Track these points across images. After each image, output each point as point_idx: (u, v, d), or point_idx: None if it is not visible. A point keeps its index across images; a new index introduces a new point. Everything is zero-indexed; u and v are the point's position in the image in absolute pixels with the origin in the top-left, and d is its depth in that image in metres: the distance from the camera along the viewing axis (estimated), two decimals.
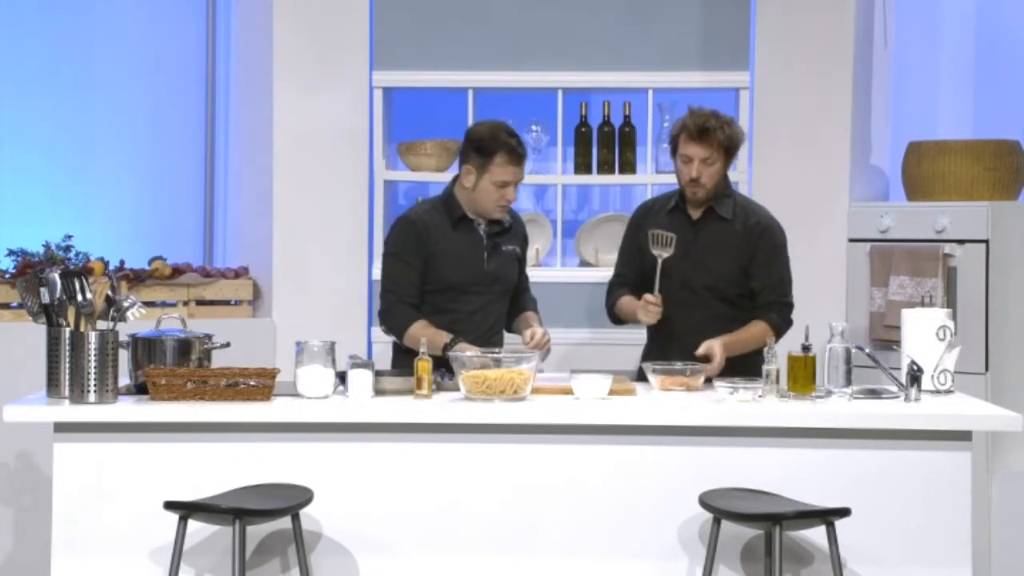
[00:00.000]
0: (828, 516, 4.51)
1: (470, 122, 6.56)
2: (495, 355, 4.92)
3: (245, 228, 6.94)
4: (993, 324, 6.31)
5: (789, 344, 5.19)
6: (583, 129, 6.66)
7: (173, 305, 6.53)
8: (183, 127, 7.00)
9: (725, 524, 4.60)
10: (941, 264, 6.36)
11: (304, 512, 4.64)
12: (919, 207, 6.58)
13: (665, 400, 4.95)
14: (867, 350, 5.23)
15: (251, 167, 6.85)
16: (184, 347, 4.95)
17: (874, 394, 5.03)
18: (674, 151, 5.48)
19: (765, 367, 4.97)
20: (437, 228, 5.43)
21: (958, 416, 4.76)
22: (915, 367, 4.92)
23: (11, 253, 6.32)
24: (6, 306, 6.22)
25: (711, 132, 5.37)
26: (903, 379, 4.94)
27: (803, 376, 4.94)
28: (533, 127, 6.62)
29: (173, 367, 4.87)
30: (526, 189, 6.66)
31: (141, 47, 6.92)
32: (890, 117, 7.00)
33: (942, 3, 7.16)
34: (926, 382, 5.01)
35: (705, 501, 4.59)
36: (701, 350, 5.31)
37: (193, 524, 4.58)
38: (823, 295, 6.59)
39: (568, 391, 4.97)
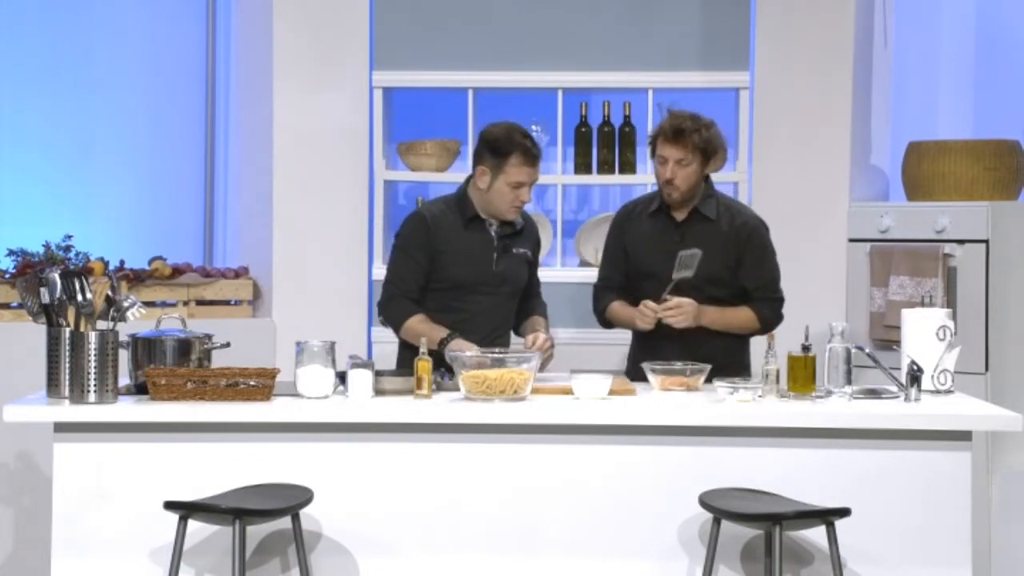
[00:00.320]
0: (828, 516, 4.51)
1: (470, 122, 6.57)
2: (495, 355, 4.92)
3: (245, 228, 6.93)
4: (993, 324, 6.31)
5: (789, 344, 5.19)
6: (583, 129, 6.66)
7: (173, 305, 6.53)
8: (183, 127, 7.00)
9: (725, 524, 4.60)
10: (941, 264, 6.36)
11: (304, 512, 4.64)
12: (919, 207, 6.58)
13: (665, 400, 4.95)
14: (867, 350, 5.23)
15: (251, 167, 6.85)
16: (184, 347, 4.95)
17: (874, 394, 5.03)
18: (652, 153, 5.52)
19: (765, 367, 4.97)
20: (448, 226, 5.44)
21: (958, 416, 4.76)
22: (915, 367, 4.92)
23: (11, 253, 6.31)
24: (6, 306, 6.22)
25: (686, 134, 5.40)
26: (903, 379, 4.94)
27: (803, 376, 4.94)
28: (533, 127, 6.61)
29: (173, 367, 4.87)
30: None
31: (141, 47, 6.92)
32: (890, 117, 7.00)
33: (942, 3, 7.16)
34: (926, 382, 5.01)
35: (705, 501, 4.59)
36: (671, 303, 5.36)
37: (193, 524, 4.58)
38: (823, 295, 6.60)
39: (568, 391, 4.97)
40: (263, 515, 4.51)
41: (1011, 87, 7.00)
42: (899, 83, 7.04)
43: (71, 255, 6.33)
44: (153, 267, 6.53)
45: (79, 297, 4.71)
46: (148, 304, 6.16)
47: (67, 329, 4.74)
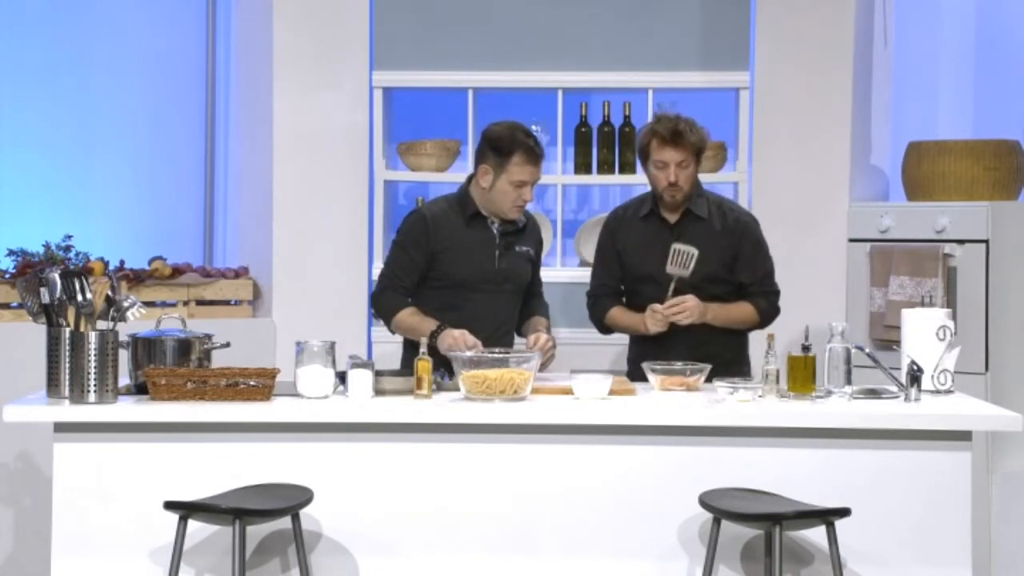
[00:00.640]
0: (828, 516, 4.51)
1: (470, 122, 6.57)
2: (495, 355, 4.92)
3: (245, 228, 6.93)
4: (993, 324, 6.31)
5: (789, 344, 5.19)
6: (583, 129, 6.66)
7: (173, 305, 6.53)
8: (183, 127, 6.99)
9: (725, 524, 4.60)
10: (941, 264, 6.36)
11: (304, 512, 4.64)
12: (919, 207, 6.58)
13: (665, 400, 4.95)
14: (867, 350, 5.22)
15: (251, 167, 6.85)
16: (184, 347, 4.95)
17: (874, 394, 5.02)
18: (645, 159, 5.53)
19: (765, 367, 4.97)
20: (449, 224, 5.44)
21: (958, 416, 4.76)
22: (915, 367, 4.92)
23: (11, 253, 6.31)
24: (6, 306, 6.22)
25: (683, 135, 5.43)
26: (903, 379, 4.94)
27: (803, 376, 4.94)
28: (533, 127, 6.59)
29: (173, 367, 4.87)
30: None
31: (141, 47, 6.92)
32: (890, 117, 7.00)
33: (942, 3, 7.16)
34: (926, 382, 5.01)
35: (705, 501, 4.59)
36: (674, 301, 5.38)
37: (193, 524, 4.58)
38: (823, 295, 6.60)
39: (568, 391, 4.97)
40: (263, 515, 4.51)
41: (1011, 87, 7.00)
42: (899, 83, 7.04)
43: (71, 255, 6.33)
44: (153, 267, 6.53)
45: (79, 297, 4.71)
46: (148, 304, 6.16)
47: (67, 329, 4.74)
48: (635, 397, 4.99)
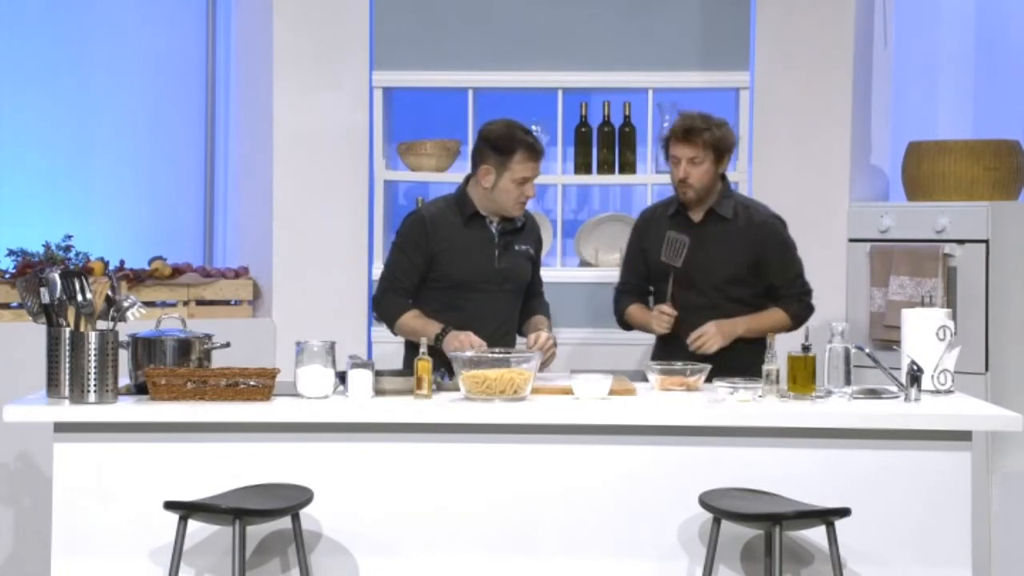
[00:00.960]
0: (828, 516, 4.51)
1: (470, 122, 6.57)
2: (495, 355, 4.92)
3: (245, 228, 6.93)
4: (993, 324, 6.31)
5: (789, 344, 5.19)
6: (583, 129, 6.67)
7: (173, 305, 6.53)
8: (183, 127, 6.99)
9: (725, 524, 4.60)
10: (941, 264, 6.36)
11: (304, 512, 4.64)
12: (919, 207, 6.58)
13: (665, 400, 4.95)
14: (867, 350, 5.22)
15: (251, 167, 6.85)
16: (184, 347, 4.95)
17: (874, 394, 5.02)
18: (667, 155, 5.56)
19: (765, 367, 4.96)
20: (448, 225, 5.45)
21: (958, 416, 4.76)
22: (915, 367, 4.92)
23: (11, 253, 6.31)
24: (6, 306, 6.22)
25: (697, 132, 5.45)
26: (903, 379, 4.94)
27: (803, 376, 4.94)
28: (533, 127, 6.60)
29: (173, 367, 4.87)
30: None
31: (141, 47, 6.92)
32: (890, 117, 7.00)
33: (942, 3, 7.16)
34: (926, 382, 5.01)
35: (705, 501, 4.59)
36: (693, 336, 5.41)
37: (193, 524, 4.58)
38: (823, 295, 6.56)
39: (568, 391, 4.97)
40: (263, 515, 4.51)
41: (1011, 87, 7.00)
42: (899, 83, 7.04)
43: (71, 255, 6.33)
44: (153, 267, 6.53)
45: (79, 297, 4.71)
46: (148, 304, 6.17)
47: (67, 329, 4.74)
48: (635, 397, 4.98)
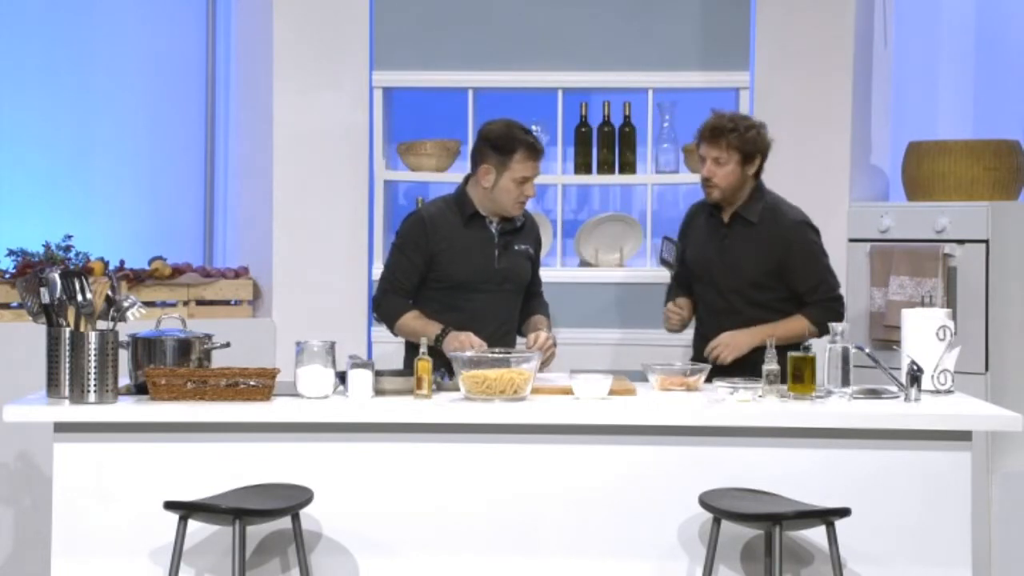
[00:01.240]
0: (828, 516, 4.51)
1: (470, 122, 6.57)
2: (495, 355, 4.92)
3: (245, 228, 6.93)
4: (993, 324, 6.30)
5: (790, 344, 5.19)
6: (583, 129, 6.66)
7: (173, 305, 6.53)
8: (183, 127, 6.99)
9: (725, 524, 4.60)
10: (941, 264, 6.36)
11: (304, 512, 4.64)
12: (919, 207, 6.58)
13: (665, 400, 4.95)
14: (867, 350, 5.22)
15: (251, 167, 6.85)
16: (184, 347, 4.95)
17: (874, 394, 5.02)
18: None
19: (765, 367, 4.96)
20: (447, 225, 5.45)
21: (958, 416, 4.76)
22: (915, 367, 4.92)
23: (11, 253, 6.31)
24: (6, 306, 6.22)
25: (722, 133, 5.47)
26: (903, 379, 4.94)
27: (803, 376, 4.94)
28: (533, 127, 6.60)
29: (173, 367, 4.87)
30: None
31: (141, 47, 6.92)
32: (890, 117, 7.00)
33: (942, 3, 7.16)
34: (926, 382, 5.01)
35: (705, 501, 4.59)
36: (709, 347, 5.47)
37: (193, 524, 4.58)
38: None
39: (568, 391, 4.97)
40: (263, 515, 4.51)
41: (1011, 87, 7.00)
42: (899, 83, 7.04)
43: (71, 255, 6.33)
44: (153, 267, 6.53)
45: (79, 297, 4.71)
46: (148, 304, 6.16)
47: (67, 329, 4.74)
48: (635, 397, 4.99)
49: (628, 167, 6.66)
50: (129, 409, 4.71)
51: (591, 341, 6.42)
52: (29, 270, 5.92)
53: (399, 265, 5.48)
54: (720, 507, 4.54)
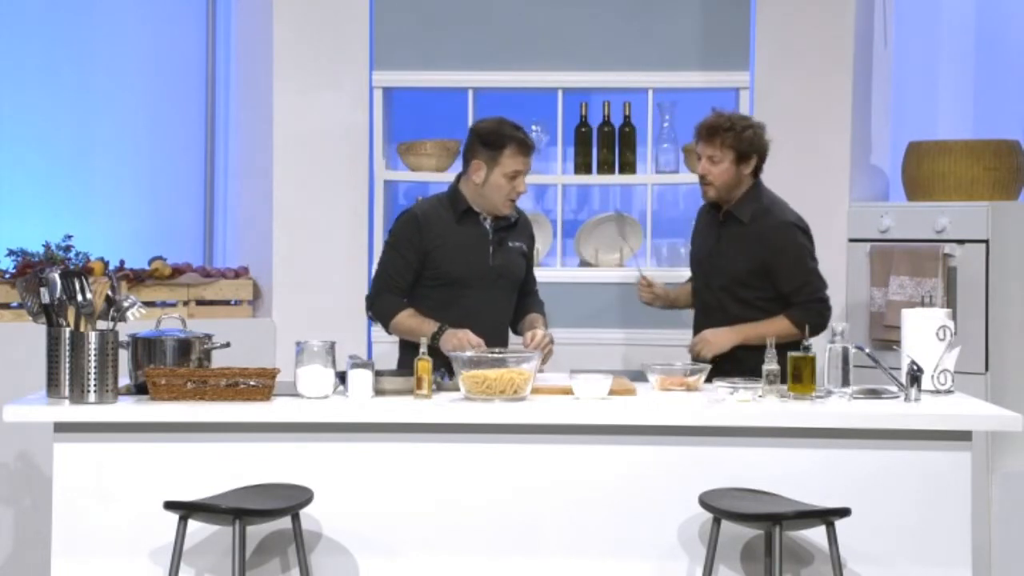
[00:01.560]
0: (828, 516, 4.51)
1: (470, 122, 6.55)
2: (495, 355, 4.91)
3: (245, 228, 6.93)
4: (993, 324, 6.30)
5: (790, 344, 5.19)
6: (583, 129, 6.66)
7: (173, 305, 6.53)
8: (183, 127, 7.00)
9: (725, 524, 4.60)
10: (941, 264, 6.36)
11: (304, 512, 4.64)
12: (919, 207, 6.58)
13: (665, 400, 4.95)
14: (867, 350, 5.22)
15: (251, 167, 6.85)
16: (184, 347, 4.95)
17: (874, 394, 5.02)
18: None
19: (765, 367, 4.96)
20: (440, 223, 5.45)
21: (958, 416, 4.76)
22: (915, 367, 4.92)
23: (11, 253, 6.31)
24: (6, 306, 6.22)
25: (718, 132, 5.49)
26: (903, 379, 4.94)
27: (803, 376, 4.94)
28: (533, 127, 6.62)
29: (173, 367, 4.87)
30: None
31: (141, 47, 6.92)
32: (890, 117, 7.00)
33: (942, 3, 7.16)
34: (926, 382, 5.01)
35: (705, 501, 4.59)
36: (691, 343, 5.53)
37: (193, 524, 4.58)
38: None
39: (568, 391, 4.97)
40: (263, 515, 4.51)
41: (1011, 87, 7.00)
42: (899, 83, 7.04)
43: (71, 255, 6.33)
44: (153, 267, 6.53)
45: (79, 297, 4.71)
46: (148, 304, 6.17)
47: (67, 329, 4.74)
48: (635, 397, 4.98)
49: (628, 167, 6.66)
50: (129, 409, 4.71)
51: (591, 341, 6.42)
52: (29, 270, 5.92)
53: (393, 263, 5.48)
54: (720, 507, 4.54)
